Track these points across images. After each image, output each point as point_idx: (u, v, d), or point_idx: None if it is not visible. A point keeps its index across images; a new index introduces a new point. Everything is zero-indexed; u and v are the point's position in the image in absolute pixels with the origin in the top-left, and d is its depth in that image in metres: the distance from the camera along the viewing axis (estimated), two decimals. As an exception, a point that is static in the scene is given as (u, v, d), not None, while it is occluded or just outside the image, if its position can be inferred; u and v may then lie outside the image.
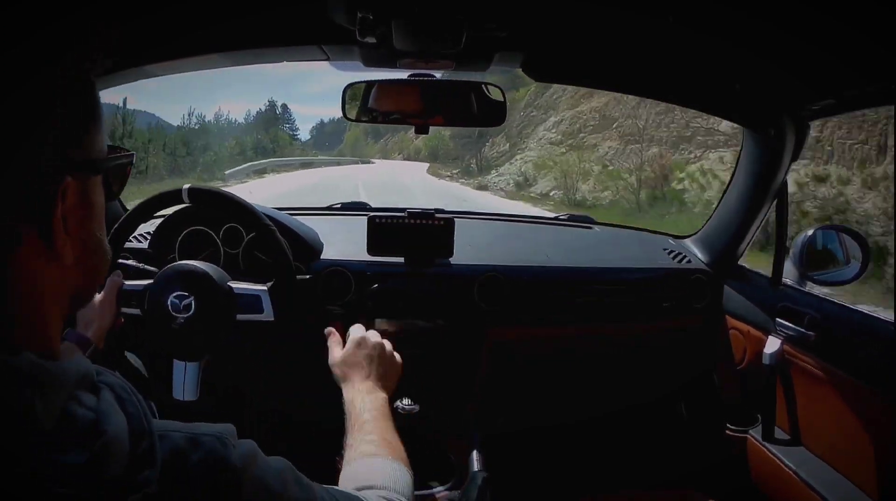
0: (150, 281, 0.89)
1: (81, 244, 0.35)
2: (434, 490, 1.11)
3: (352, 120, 1.04)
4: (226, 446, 0.36)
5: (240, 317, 0.86)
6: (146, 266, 0.98)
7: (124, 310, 0.89)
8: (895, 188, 6.05)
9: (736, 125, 1.30)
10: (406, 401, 1.17)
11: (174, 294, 0.85)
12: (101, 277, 0.40)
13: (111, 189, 0.40)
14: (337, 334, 0.85)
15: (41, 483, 0.28)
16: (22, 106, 0.30)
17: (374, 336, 0.82)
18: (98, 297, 0.87)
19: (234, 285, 0.88)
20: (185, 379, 0.91)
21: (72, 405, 0.30)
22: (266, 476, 0.38)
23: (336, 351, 0.81)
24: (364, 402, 0.69)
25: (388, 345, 0.82)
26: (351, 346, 0.80)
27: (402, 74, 1.00)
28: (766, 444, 1.15)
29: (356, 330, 0.84)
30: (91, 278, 0.38)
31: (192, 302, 0.85)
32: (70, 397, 0.30)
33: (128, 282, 0.90)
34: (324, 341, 0.85)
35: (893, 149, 6.36)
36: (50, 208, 0.32)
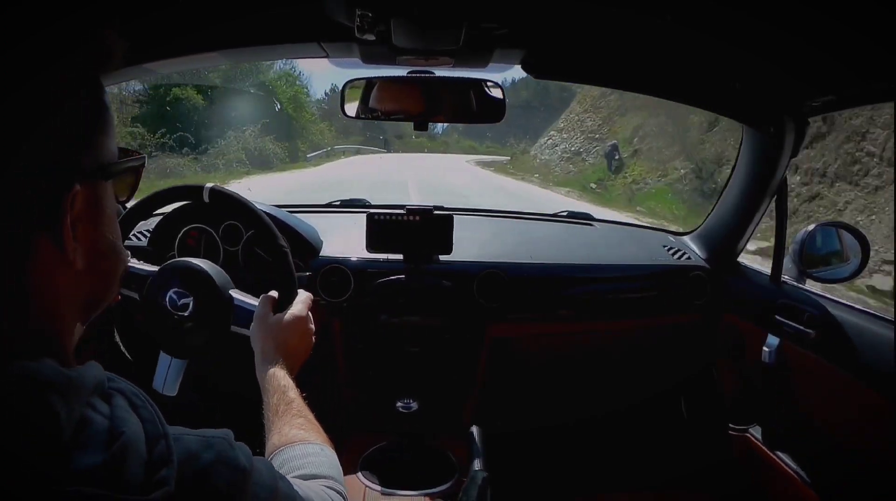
0: (155, 269, 0.89)
1: (93, 249, 0.35)
2: (434, 490, 1.11)
3: (351, 117, 1.05)
4: (233, 448, 0.38)
5: (232, 329, 0.85)
6: (144, 264, 0.98)
7: (123, 291, 0.89)
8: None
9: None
10: (406, 400, 1.17)
11: (174, 290, 0.85)
12: (115, 281, 0.39)
13: (123, 193, 0.39)
14: (272, 297, 0.82)
15: (61, 487, 0.28)
16: (24, 111, 0.29)
17: (310, 318, 0.81)
18: None
19: (235, 294, 0.87)
20: (167, 373, 0.90)
21: (88, 411, 0.31)
22: (262, 474, 0.40)
23: (268, 309, 0.79)
24: (286, 379, 0.71)
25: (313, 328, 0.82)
26: (292, 318, 0.78)
27: (402, 71, 1.00)
28: (766, 442, 1.15)
29: (304, 300, 0.82)
30: (104, 284, 0.38)
31: (191, 303, 0.85)
32: (86, 403, 0.31)
33: (134, 265, 0.90)
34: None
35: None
36: (59, 215, 0.32)
